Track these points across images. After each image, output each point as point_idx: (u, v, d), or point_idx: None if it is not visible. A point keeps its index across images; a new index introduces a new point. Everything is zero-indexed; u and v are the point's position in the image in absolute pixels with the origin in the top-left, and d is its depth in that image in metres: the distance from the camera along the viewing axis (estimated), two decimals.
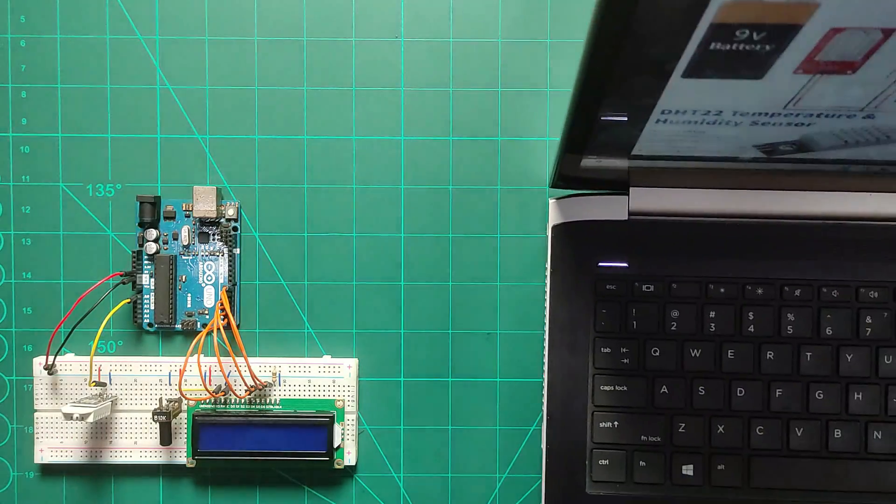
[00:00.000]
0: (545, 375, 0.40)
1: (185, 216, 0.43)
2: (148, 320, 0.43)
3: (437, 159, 0.43)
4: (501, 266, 0.43)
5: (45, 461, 0.42)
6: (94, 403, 0.40)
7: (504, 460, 0.44)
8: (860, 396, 0.40)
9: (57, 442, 0.42)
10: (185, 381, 0.42)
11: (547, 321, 0.41)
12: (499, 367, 0.43)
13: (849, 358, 0.40)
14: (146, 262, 0.43)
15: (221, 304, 0.42)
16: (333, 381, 0.42)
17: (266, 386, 0.42)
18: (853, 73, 0.25)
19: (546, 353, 0.40)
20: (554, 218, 0.41)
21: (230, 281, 0.43)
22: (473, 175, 0.43)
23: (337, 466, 0.42)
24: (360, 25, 0.43)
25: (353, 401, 0.42)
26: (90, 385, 0.41)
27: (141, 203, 0.42)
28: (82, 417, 0.38)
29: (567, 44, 0.43)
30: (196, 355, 0.41)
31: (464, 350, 0.43)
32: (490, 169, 0.43)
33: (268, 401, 0.42)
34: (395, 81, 0.43)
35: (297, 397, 0.42)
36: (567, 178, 0.39)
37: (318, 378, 0.42)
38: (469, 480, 0.44)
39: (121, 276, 0.42)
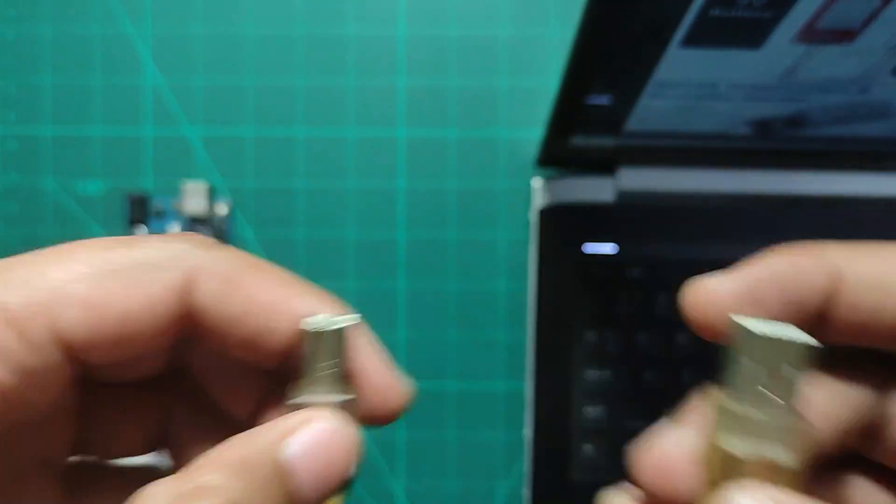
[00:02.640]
0: (530, 361, 0.40)
1: (176, 214, 0.42)
2: None
3: (438, 156, 0.42)
4: (503, 265, 0.43)
5: None
6: None
7: (507, 468, 0.43)
8: None
9: None
10: None
11: (532, 306, 0.40)
12: (500, 369, 0.43)
13: None
14: None
15: None
16: None
17: None
18: (850, 42, 0.26)
19: (531, 338, 0.40)
20: (539, 200, 0.41)
21: None
22: (475, 172, 0.43)
23: None
24: (361, 25, 0.42)
25: None
26: None
27: (130, 201, 0.42)
28: None
29: (569, 40, 0.43)
30: None
31: (464, 352, 0.43)
32: (492, 166, 0.43)
33: None
34: (395, 76, 0.42)
35: None
36: (555, 157, 0.39)
37: None
38: (471, 486, 0.43)
39: None
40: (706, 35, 0.25)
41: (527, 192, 0.42)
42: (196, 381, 0.19)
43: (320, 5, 0.42)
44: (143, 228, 0.42)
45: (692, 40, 0.26)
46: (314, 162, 0.43)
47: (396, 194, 0.43)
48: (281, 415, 0.17)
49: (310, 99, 0.43)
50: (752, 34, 0.25)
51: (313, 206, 0.43)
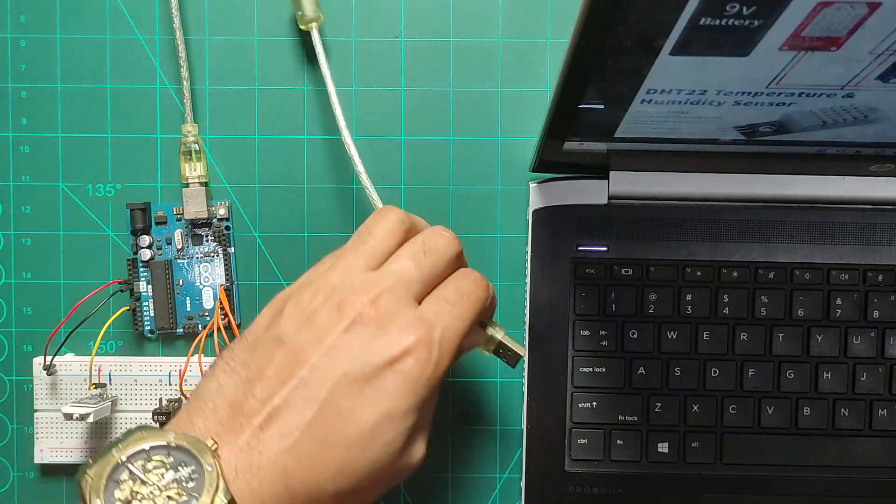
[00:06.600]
0: (525, 357, 0.41)
1: (177, 220, 0.43)
2: (149, 327, 0.43)
3: (437, 159, 0.43)
4: (501, 266, 0.43)
5: (45, 461, 0.42)
6: (94, 403, 0.40)
7: (504, 460, 0.44)
8: (829, 375, 0.41)
9: (57, 442, 0.42)
10: (186, 381, 0.42)
11: (527, 304, 0.41)
12: (499, 365, 0.43)
13: (819, 339, 0.41)
14: (142, 269, 0.43)
15: (221, 304, 0.41)
16: None
17: None
18: (837, 49, 0.26)
19: (526, 335, 0.41)
20: (534, 202, 0.41)
21: (227, 280, 0.43)
22: (473, 175, 0.43)
23: None
24: (361, 25, 0.43)
25: None
26: (90, 388, 0.41)
27: (132, 210, 0.42)
28: (82, 417, 0.38)
29: (564, 49, 0.43)
30: (197, 355, 0.40)
31: None
32: (490, 169, 0.43)
33: None
34: (396, 81, 0.43)
35: None
36: (549, 162, 0.40)
37: None
38: (469, 480, 0.43)
39: (119, 283, 0.42)
40: (696, 43, 0.26)
41: (523, 195, 0.43)
42: None
43: (324, 13, 0.42)
44: (146, 238, 0.42)
45: (682, 48, 0.26)
46: (317, 164, 0.43)
47: (397, 196, 0.43)
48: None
49: (312, 104, 0.43)
50: (740, 42, 0.26)
51: (315, 207, 0.43)
